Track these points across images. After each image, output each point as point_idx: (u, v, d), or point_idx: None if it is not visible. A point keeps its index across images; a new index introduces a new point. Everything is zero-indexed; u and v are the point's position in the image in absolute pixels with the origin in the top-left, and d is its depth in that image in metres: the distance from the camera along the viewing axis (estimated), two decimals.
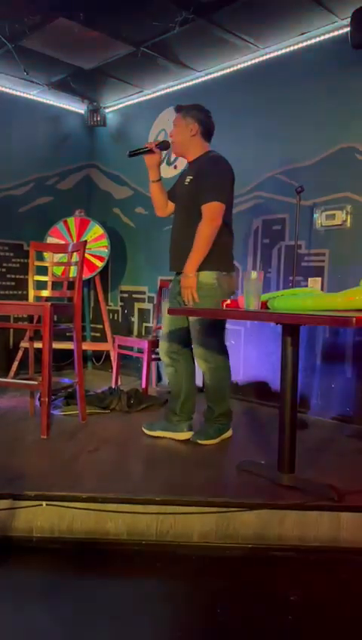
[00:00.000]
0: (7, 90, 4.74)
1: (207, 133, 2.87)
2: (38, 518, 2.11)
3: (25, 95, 4.85)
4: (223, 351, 2.92)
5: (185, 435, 2.96)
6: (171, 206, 3.02)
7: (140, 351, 4.11)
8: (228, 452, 2.81)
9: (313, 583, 1.91)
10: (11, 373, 4.43)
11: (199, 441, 2.88)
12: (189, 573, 1.97)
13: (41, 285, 3.45)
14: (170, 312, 2.82)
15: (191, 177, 2.83)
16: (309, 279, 3.70)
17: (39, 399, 2.99)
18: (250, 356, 4.11)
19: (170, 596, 1.84)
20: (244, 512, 2.12)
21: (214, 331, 2.86)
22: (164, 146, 2.90)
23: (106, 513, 2.11)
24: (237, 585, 1.90)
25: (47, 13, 3.55)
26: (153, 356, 4.04)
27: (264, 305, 2.31)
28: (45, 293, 3.41)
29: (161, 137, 4.73)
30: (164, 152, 2.99)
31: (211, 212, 2.70)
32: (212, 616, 1.71)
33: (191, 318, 2.87)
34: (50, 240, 4.72)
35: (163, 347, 3.01)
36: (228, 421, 2.98)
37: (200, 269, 2.76)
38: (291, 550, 2.09)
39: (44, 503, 2.11)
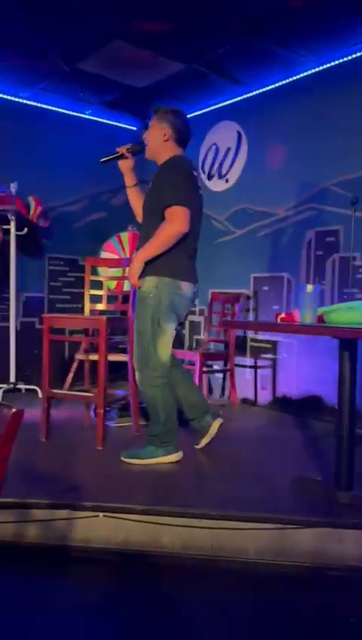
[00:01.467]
0: (63, 111, 4.91)
1: (181, 139, 2.73)
2: (95, 528, 2.15)
3: (79, 115, 5.01)
4: (155, 369, 2.67)
5: (217, 423, 2.91)
6: None
7: (191, 363, 4.13)
8: (283, 467, 2.77)
9: None
10: (66, 385, 4.52)
11: (122, 457, 2.73)
12: (245, 591, 1.95)
13: (95, 299, 3.53)
14: (221, 324, 2.79)
15: (151, 182, 2.72)
16: None
17: (94, 411, 3.05)
18: (304, 370, 4.04)
19: (225, 613, 1.82)
20: (301, 529, 2.08)
21: (148, 347, 2.65)
22: (136, 149, 2.82)
23: (161, 526, 2.12)
24: (294, 605, 1.86)
25: (103, 36, 3.67)
26: (204, 368, 4.04)
27: (320, 318, 2.28)
28: (100, 306, 3.48)
29: (212, 151, 4.77)
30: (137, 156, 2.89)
31: (173, 215, 2.54)
32: (268, 636, 1.68)
33: (134, 326, 2.73)
34: (103, 255, 4.83)
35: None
36: (162, 444, 2.72)
37: (143, 274, 2.63)
38: (350, 570, 2.03)
39: (101, 514, 2.14)
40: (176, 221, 2.55)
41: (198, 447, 2.95)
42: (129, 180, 2.88)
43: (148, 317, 2.63)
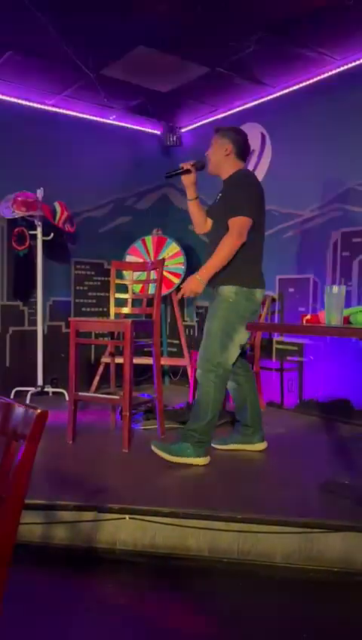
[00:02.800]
0: (87, 117, 4.97)
1: (241, 153, 2.92)
2: (122, 531, 2.16)
3: (104, 120, 5.06)
4: (218, 369, 2.76)
5: (261, 445, 3.02)
6: (209, 223, 3.07)
7: None
8: (310, 470, 2.73)
9: None
10: (93, 388, 4.57)
11: (153, 446, 2.83)
12: (273, 596, 1.93)
13: (120, 302, 3.55)
14: (249, 327, 2.80)
15: (221, 194, 2.90)
16: None
17: (120, 413, 3.06)
18: (331, 373, 3.99)
19: (252, 617, 1.80)
20: (329, 533, 2.05)
21: (219, 346, 2.77)
22: (199, 165, 2.98)
23: (188, 529, 2.12)
24: (323, 610, 1.84)
25: (127, 42, 3.70)
26: None
27: (346, 320, 2.25)
28: (125, 310, 3.51)
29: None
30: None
31: (236, 226, 2.71)
32: None
33: (206, 324, 2.86)
34: (129, 258, 4.86)
35: None
36: (195, 446, 2.74)
37: (222, 283, 2.79)
38: None
39: (127, 516, 2.15)
40: (235, 233, 2.71)
41: (221, 447, 3.01)
42: (191, 193, 3.04)
43: (224, 319, 2.78)
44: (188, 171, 2.96)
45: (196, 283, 2.75)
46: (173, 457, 2.76)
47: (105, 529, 2.17)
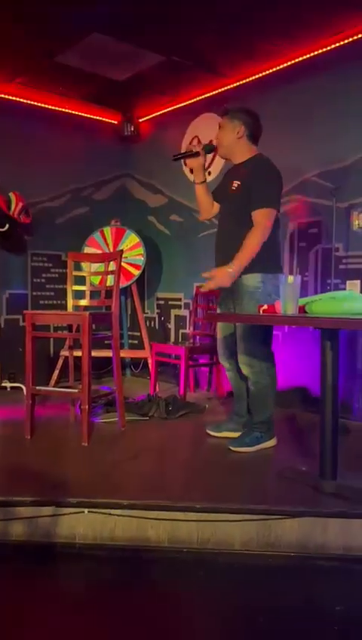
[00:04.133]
0: (42, 105, 4.86)
1: (254, 136, 2.86)
2: (81, 525, 2.14)
3: (59, 109, 4.96)
4: (267, 357, 2.85)
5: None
6: (216, 207, 3.02)
7: (177, 358, 4.12)
8: (268, 459, 2.78)
9: (359, 594, 1.87)
10: (52, 382, 4.51)
11: (232, 448, 2.84)
12: (231, 582, 1.95)
13: (79, 295, 3.50)
14: (205, 317, 2.82)
15: (239, 182, 2.80)
16: (347, 282, 3.64)
17: (80, 407, 3.03)
18: (289, 362, 4.05)
19: (211, 605, 1.82)
20: (286, 519, 2.09)
21: (258, 336, 2.81)
22: (209, 148, 2.92)
23: (147, 520, 2.12)
24: (280, 594, 1.88)
25: (81, 29, 3.62)
26: (190, 363, 4.04)
27: (302, 309, 2.28)
28: (83, 302, 3.46)
29: (195, 143, 4.75)
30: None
31: (263, 218, 2.70)
32: (255, 626, 1.69)
33: (237, 323, 2.87)
34: (87, 250, 4.80)
35: (220, 352, 3.08)
36: (267, 430, 2.90)
37: (246, 271, 2.75)
38: (335, 560, 2.05)
39: (86, 510, 2.13)
40: (263, 225, 2.69)
41: (214, 434, 3.06)
42: (200, 176, 2.97)
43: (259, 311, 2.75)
44: (196, 154, 2.89)
45: (228, 276, 2.70)
46: (252, 448, 2.83)
47: (64, 523, 2.15)
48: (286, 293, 2.24)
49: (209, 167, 4.58)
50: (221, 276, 2.71)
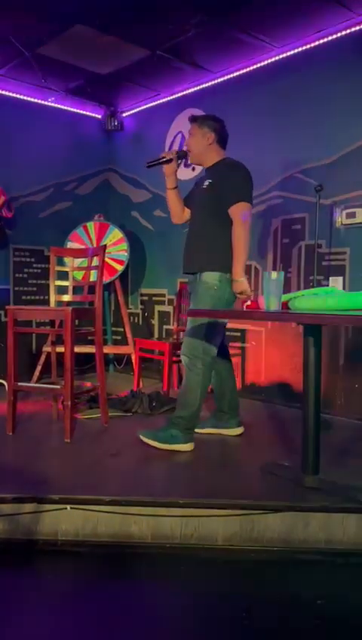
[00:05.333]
0: (25, 98, 4.79)
1: (222, 140, 2.94)
2: (63, 521, 2.12)
3: (42, 102, 4.90)
4: (205, 357, 2.80)
5: (237, 430, 3.10)
6: (187, 213, 3.06)
7: (161, 353, 4.12)
8: (251, 454, 2.79)
9: (340, 587, 1.88)
10: (34, 378, 4.47)
11: (140, 436, 2.85)
12: (214, 577, 1.96)
13: (62, 290, 3.47)
14: (189, 314, 2.82)
15: (210, 181, 2.87)
16: (330, 278, 3.66)
17: (62, 403, 3.01)
18: (272, 357, 4.08)
19: (194, 600, 1.83)
20: (268, 514, 2.10)
21: (200, 334, 2.80)
22: (181, 154, 2.98)
23: (130, 516, 2.11)
24: (262, 589, 1.89)
25: (64, 20, 3.58)
26: (174, 359, 4.03)
27: (285, 305, 2.29)
28: (66, 297, 3.43)
29: (178, 140, 4.74)
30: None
31: (240, 213, 2.74)
32: (238, 620, 1.70)
33: (188, 318, 2.88)
34: (70, 245, 4.76)
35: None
36: (185, 430, 2.78)
37: (204, 269, 2.80)
38: (317, 553, 2.06)
39: (68, 506, 2.12)
40: (241, 220, 2.73)
41: (198, 431, 3.01)
42: (171, 182, 3.00)
43: (209, 307, 2.77)
44: (169, 160, 2.94)
45: (241, 284, 2.74)
46: (162, 444, 2.77)
47: (46, 520, 2.13)
48: (269, 289, 2.24)
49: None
50: (238, 289, 2.76)
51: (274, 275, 2.24)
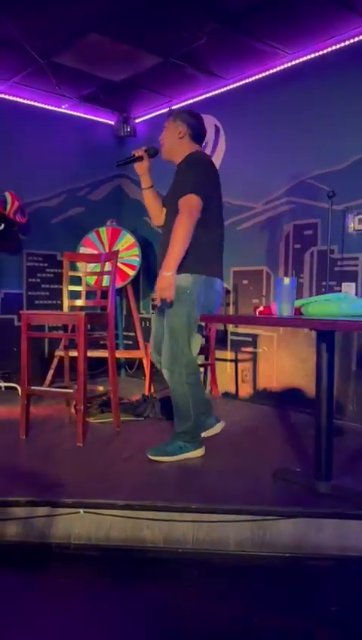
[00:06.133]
0: (39, 105, 4.85)
1: (197, 136, 2.77)
2: (76, 525, 2.14)
3: (55, 109, 4.96)
4: (188, 364, 2.66)
5: (220, 426, 3.11)
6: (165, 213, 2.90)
7: None
8: (263, 460, 2.78)
9: (354, 594, 1.88)
10: (47, 382, 4.50)
11: (150, 456, 2.69)
12: (226, 583, 1.96)
13: (74, 295, 3.50)
14: (203, 318, 2.76)
15: (175, 178, 2.75)
16: (343, 284, 3.65)
17: (75, 407, 3.03)
18: (284, 363, 4.07)
19: (206, 605, 1.83)
20: (281, 520, 2.10)
21: (180, 342, 2.64)
22: (152, 152, 2.85)
23: (143, 521, 2.12)
24: (274, 595, 1.88)
25: (79, 29, 3.62)
26: None
27: (298, 311, 2.29)
28: (79, 302, 3.46)
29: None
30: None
31: (185, 205, 2.54)
32: (249, 626, 1.70)
33: (164, 324, 2.69)
34: (82, 250, 4.79)
35: (152, 347, 2.94)
36: (191, 440, 2.72)
37: (179, 271, 2.58)
38: (330, 560, 2.06)
39: (81, 510, 2.13)
40: (185, 213, 2.54)
41: None
42: (145, 181, 2.88)
43: (184, 314, 2.60)
44: (140, 158, 2.82)
45: (165, 280, 2.54)
46: (174, 457, 2.68)
47: (59, 524, 2.14)
48: (282, 295, 2.25)
49: None
50: (159, 284, 2.57)
51: (286, 280, 2.24)
